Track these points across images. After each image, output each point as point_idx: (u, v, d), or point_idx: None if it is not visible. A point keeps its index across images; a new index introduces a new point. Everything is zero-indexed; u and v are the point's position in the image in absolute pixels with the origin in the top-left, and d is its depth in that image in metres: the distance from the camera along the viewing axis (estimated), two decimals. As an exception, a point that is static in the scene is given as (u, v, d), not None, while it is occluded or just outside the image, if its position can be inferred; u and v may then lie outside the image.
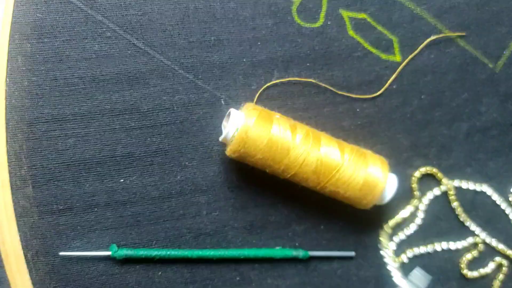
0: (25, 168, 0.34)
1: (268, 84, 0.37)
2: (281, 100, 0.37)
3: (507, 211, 0.41)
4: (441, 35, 0.38)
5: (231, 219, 0.37)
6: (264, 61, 0.37)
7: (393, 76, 0.38)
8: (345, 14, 0.37)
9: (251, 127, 0.33)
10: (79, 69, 0.35)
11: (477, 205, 0.40)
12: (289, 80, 0.37)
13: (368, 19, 0.38)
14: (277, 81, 0.37)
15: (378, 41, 0.38)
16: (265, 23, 0.37)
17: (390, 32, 0.38)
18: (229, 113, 0.34)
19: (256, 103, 0.37)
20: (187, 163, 0.36)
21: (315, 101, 0.38)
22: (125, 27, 0.35)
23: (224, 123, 0.35)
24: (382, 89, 0.38)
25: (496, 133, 0.40)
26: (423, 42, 0.39)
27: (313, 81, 0.37)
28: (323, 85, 0.37)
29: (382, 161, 0.36)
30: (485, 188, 0.40)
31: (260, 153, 0.33)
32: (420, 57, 0.39)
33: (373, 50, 0.38)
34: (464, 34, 0.39)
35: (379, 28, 0.38)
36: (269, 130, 0.33)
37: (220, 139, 0.34)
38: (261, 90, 0.37)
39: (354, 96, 0.38)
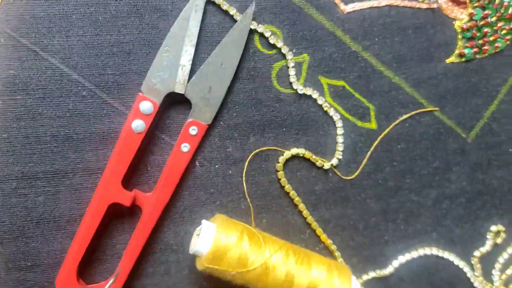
0: (-7, 223, 0.34)
1: (252, 154, 0.37)
2: (256, 163, 0.38)
3: (469, 274, 0.42)
4: (419, 111, 0.39)
5: None
6: (240, 124, 0.37)
7: (368, 154, 0.39)
8: (324, 81, 0.38)
9: (221, 246, 0.33)
10: (52, 127, 0.34)
11: (440, 269, 0.42)
12: (268, 148, 0.38)
13: (347, 87, 0.38)
14: (258, 150, 0.37)
15: (355, 108, 0.38)
16: (244, 87, 0.37)
17: (367, 100, 0.39)
18: (201, 225, 0.34)
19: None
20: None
21: (289, 165, 0.38)
22: (101, 86, 0.35)
23: (195, 233, 0.34)
24: (358, 171, 0.39)
25: (463, 200, 0.42)
26: (399, 111, 0.39)
27: (281, 150, 0.37)
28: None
29: (347, 272, 0.36)
30: (447, 255, 0.42)
31: (230, 269, 0.33)
32: (394, 126, 0.39)
33: (350, 117, 0.38)
34: (437, 109, 0.40)
35: (357, 95, 0.38)
36: (240, 245, 0.33)
37: (191, 251, 0.34)
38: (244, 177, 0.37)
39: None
